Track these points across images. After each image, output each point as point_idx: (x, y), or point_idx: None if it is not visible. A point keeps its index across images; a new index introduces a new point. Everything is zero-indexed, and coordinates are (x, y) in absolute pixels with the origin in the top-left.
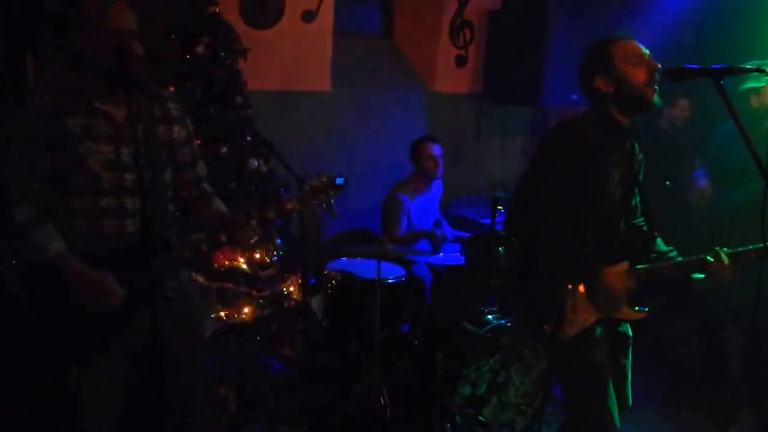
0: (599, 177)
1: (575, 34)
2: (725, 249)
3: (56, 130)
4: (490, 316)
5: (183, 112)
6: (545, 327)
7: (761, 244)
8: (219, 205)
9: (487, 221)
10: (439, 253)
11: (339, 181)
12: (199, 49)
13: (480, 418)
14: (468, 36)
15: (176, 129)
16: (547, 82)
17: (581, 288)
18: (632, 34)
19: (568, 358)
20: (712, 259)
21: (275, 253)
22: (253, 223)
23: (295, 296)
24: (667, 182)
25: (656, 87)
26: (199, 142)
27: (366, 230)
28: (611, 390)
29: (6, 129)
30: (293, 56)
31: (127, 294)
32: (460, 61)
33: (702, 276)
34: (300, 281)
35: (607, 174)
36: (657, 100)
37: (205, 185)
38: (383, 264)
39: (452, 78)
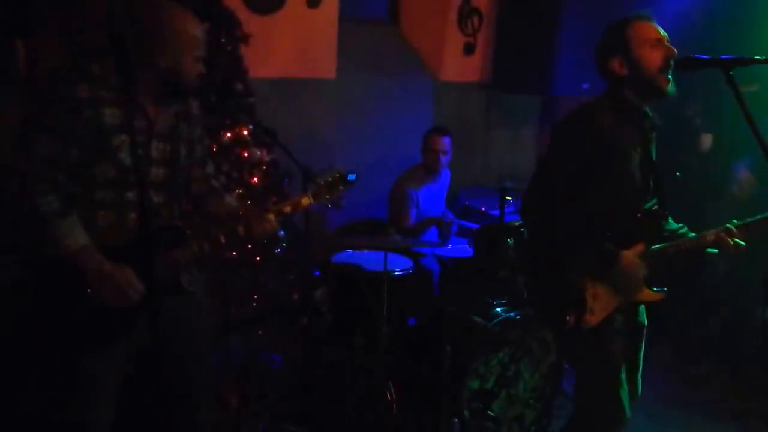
0: (619, 159)
1: (586, 22)
2: (734, 221)
3: (90, 122)
4: (498, 309)
5: (201, 110)
6: (567, 318)
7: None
8: (230, 199)
9: (496, 212)
10: (448, 244)
11: (351, 177)
12: None
13: (489, 412)
14: (476, 23)
15: (196, 127)
16: (557, 70)
17: (601, 276)
18: None
19: (585, 348)
20: (723, 233)
21: (279, 245)
22: (270, 216)
23: (299, 289)
24: (678, 173)
25: (670, 75)
26: None
27: (373, 220)
28: (623, 379)
29: (34, 119)
30: (297, 43)
31: (145, 288)
32: (469, 49)
33: (716, 250)
34: (304, 274)
35: (627, 156)
36: (671, 88)
37: (214, 182)
38: (390, 256)
39: (460, 66)
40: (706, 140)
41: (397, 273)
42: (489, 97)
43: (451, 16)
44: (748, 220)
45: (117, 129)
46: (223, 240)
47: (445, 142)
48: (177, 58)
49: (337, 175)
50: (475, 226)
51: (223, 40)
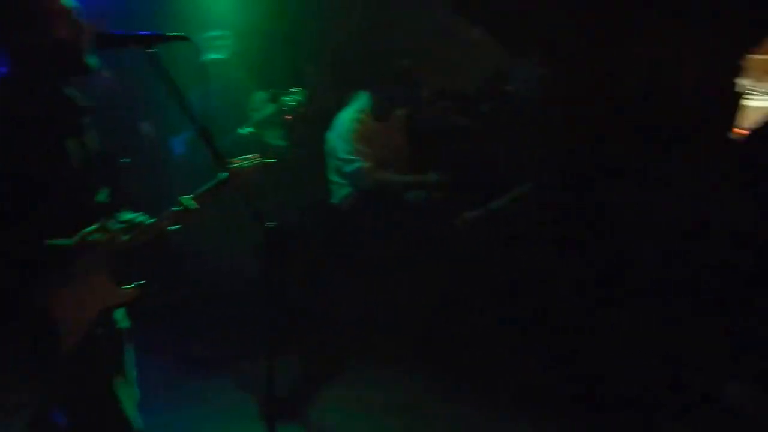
0: (49, 152)
1: None
2: (189, 195)
3: None
4: None
5: None
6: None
7: (216, 180)
8: None
9: None
10: None
11: None
12: None
13: None
14: None
15: None
16: None
17: (61, 285)
18: None
19: (68, 379)
20: (179, 209)
21: None
22: None
23: None
24: (126, 159)
25: (88, 48)
26: None
27: None
28: (120, 394)
29: None
30: None
31: None
32: None
33: (178, 227)
34: None
35: (58, 147)
36: (93, 61)
37: None
38: None
39: None
40: (145, 128)
41: None
42: None
43: None
44: (199, 191)
45: None
46: None
47: None
48: None
49: None
50: None
51: None
